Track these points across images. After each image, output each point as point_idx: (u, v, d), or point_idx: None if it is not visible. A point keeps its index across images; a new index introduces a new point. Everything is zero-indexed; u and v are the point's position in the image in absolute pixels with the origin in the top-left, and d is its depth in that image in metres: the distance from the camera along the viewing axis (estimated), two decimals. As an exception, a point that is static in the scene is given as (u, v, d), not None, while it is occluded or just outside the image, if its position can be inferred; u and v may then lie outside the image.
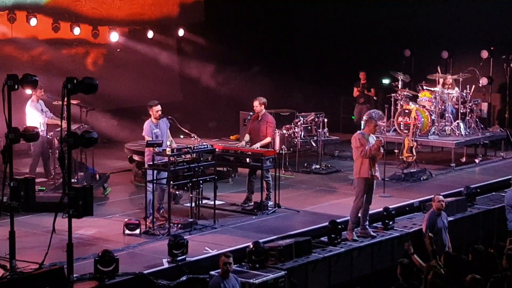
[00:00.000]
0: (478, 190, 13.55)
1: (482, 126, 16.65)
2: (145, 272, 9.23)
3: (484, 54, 18.06)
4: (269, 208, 12.12)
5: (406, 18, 19.52)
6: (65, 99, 8.39)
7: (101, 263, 8.95)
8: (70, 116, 8.56)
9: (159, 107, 11.54)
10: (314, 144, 15.59)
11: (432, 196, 11.64)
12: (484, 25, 18.66)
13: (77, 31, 17.01)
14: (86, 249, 10.01)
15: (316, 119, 15.68)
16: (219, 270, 8.90)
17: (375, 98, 18.37)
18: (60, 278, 8.54)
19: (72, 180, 9.66)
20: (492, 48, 18.01)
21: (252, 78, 19.66)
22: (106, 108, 17.30)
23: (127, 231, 10.84)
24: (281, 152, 14.46)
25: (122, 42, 18.37)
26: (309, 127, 15.70)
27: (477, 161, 16.14)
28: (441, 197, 11.10)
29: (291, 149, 15.17)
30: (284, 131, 15.09)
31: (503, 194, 12.96)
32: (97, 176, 13.42)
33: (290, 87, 20.84)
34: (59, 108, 8.67)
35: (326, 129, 15.89)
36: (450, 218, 11.82)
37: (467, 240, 11.80)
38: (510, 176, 13.26)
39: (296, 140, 15.28)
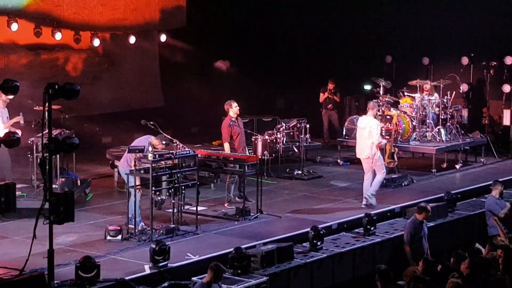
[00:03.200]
0: (459, 196, 13.64)
1: (463, 132, 16.76)
2: (126, 278, 9.20)
3: (465, 60, 18.19)
4: (251, 214, 12.13)
5: (388, 25, 19.64)
6: (46, 104, 8.34)
7: (82, 269, 8.91)
8: (51, 122, 8.52)
9: None
10: (296, 150, 15.61)
11: (415, 201, 11.68)
12: (464, 31, 18.80)
13: (58, 36, 16.96)
14: (67, 255, 9.97)
15: (298, 125, 15.71)
16: (203, 276, 8.89)
17: (338, 101, 18.43)
18: (41, 284, 8.50)
19: (53, 186, 9.60)
20: (472, 55, 18.15)
21: (235, 83, 19.68)
22: (88, 113, 17.24)
23: (108, 237, 10.80)
24: (263, 158, 14.47)
25: (103, 47, 18.34)
26: (291, 133, 15.72)
27: (457, 167, 16.24)
28: (429, 207, 11.16)
29: (273, 154, 15.18)
30: (266, 137, 15.11)
31: (484, 199, 13.04)
32: (79, 181, 13.35)
33: (272, 93, 20.90)
34: (41, 113, 8.62)
35: (308, 135, 15.91)
36: (431, 224, 11.88)
37: (448, 245, 11.85)
38: (490, 182, 13.33)
39: (278, 146, 15.29)
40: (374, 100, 15.18)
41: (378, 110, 13.95)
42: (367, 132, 12.91)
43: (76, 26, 17.45)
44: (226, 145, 13.16)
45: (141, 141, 11.55)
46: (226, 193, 13.04)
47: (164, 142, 11.62)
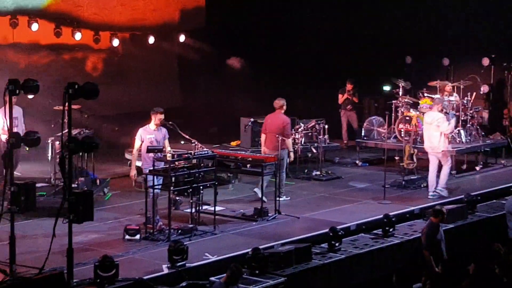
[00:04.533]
0: (479, 198, 13.54)
1: (483, 133, 16.65)
2: (144, 277, 9.22)
3: (485, 61, 18.07)
4: (269, 215, 12.12)
5: (408, 25, 19.55)
6: (66, 104, 8.39)
7: (101, 269, 8.94)
8: (71, 121, 8.57)
9: (162, 116, 11.57)
10: (314, 151, 15.58)
11: (433, 203, 11.62)
12: (485, 32, 18.68)
13: (78, 36, 17.05)
14: (86, 254, 10.00)
15: (317, 126, 15.68)
16: (221, 276, 8.90)
17: (356, 101, 18.35)
18: (60, 283, 8.53)
19: (73, 185, 9.65)
20: (493, 56, 18.02)
21: (254, 84, 19.68)
22: (107, 113, 17.31)
23: (127, 237, 10.83)
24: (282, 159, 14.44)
25: (123, 47, 18.41)
26: (310, 134, 15.70)
27: (477, 168, 16.13)
28: (445, 210, 11.11)
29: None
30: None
31: (504, 201, 12.94)
32: (98, 181, 13.41)
33: (291, 93, 20.81)
34: (60, 112, 8.67)
35: (326, 136, 15.88)
36: (451, 226, 11.81)
37: (468, 248, 11.77)
38: (511, 184, 13.24)
39: (296, 147, 15.27)
40: (439, 96, 15.28)
41: (442, 108, 14.41)
42: (435, 126, 13.50)
43: (95, 26, 17.55)
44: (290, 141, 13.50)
45: (137, 136, 11.55)
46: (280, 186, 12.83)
47: (157, 111, 11.52)
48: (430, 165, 13.73)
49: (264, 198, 12.47)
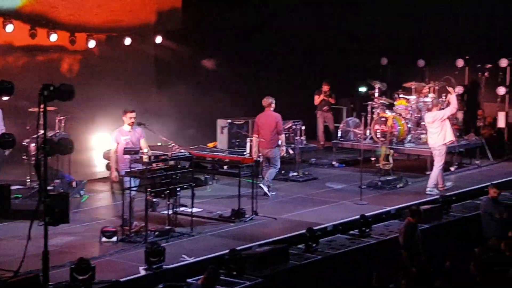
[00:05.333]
0: (454, 198, 13.67)
1: (458, 134, 16.79)
2: (121, 280, 9.19)
3: (460, 62, 18.24)
4: (246, 216, 12.14)
5: (383, 27, 19.69)
6: (42, 106, 8.34)
7: (77, 271, 8.89)
8: (46, 123, 8.51)
9: (133, 114, 11.51)
10: (291, 152, 15.63)
11: (410, 203, 11.72)
12: (460, 34, 18.87)
13: (54, 37, 16.94)
14: (62, 257, 9.94)
15: (294, 127, 15.73)
16: (198, 278, 8.89)
17: (333, 103, 18.44)
18: (36, 286, 8.48)
19: (48, 188, 9.60)
20: (467, 57, 18.20)
21: (231, 85, 19.68)
22: (83, 115, 17.21)
23: (103, 239, 10.79)
24: (258, 159, 14.47)
25: (99, 49, 18.32)
26: (287, 135, 15.73)
27: (452, 169, 16.27)
28: (421, 209, 11.23)
29: (269, 156, 15.16)
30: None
31: (478, 202, 13.08)
32: (74, 183, 13.34)
33: (267, 94, 20.84)
34: (36, 114, 8.62)
35: (303, 137, 15.94)
36: (426, 226, 11.91)
37: (443, 248, 11.87)
38: (485, 184, 13.37)
39: (273, 148, 15.27)
40: (434, 96, 15.72)
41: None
42: (437, 124, 14.11)
43: (71, 27, 17.43)
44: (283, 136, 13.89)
45: (113, 137, 11.51)
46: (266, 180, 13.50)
47: (127, 110, 11.52)
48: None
49: (267, 192, 13.35)
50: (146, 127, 11.80)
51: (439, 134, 14.22)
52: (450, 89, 14.85)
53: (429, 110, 15.17)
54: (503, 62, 17.65)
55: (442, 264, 9.40)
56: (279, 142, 13.82)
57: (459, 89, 18.06)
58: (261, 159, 14.24)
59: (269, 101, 13.88)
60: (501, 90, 17.66)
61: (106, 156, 14.53)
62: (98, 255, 10.16)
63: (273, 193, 13.85)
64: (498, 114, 17.93)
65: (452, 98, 14.46)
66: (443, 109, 14.59)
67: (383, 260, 11.07)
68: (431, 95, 16.71)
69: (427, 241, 11.22)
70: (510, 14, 18.53)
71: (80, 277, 8.87)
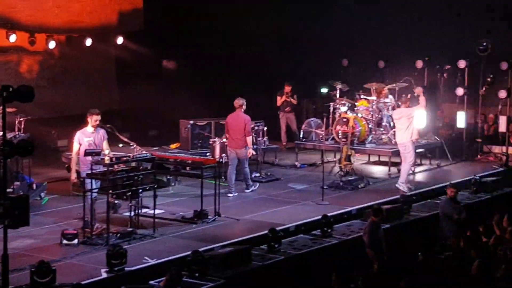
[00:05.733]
0: (414, 198, 13.83)
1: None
2: (82, 282, 9.12)
3: (419, 64, 18.45)
4: (209, 217, 12.14)
5: (344, 28, 19.84)
6: (0, 107, 8.23)
7: (37, 274, 8.81)
8: (5, 125, 8.41)
9: (99, 117, 11.47)
10: (254, 153, 15.65)
11: (371, 203, 11.83)
12: (419, 35, 19.11)
13: (13, 38, 16.74)
14: (22, 260, 9.84)
15: (256, 128, 15.77)
16: (160, 279, 8.86)
17: (295, 103, 18.54)
18: (-5, 290, 8.38)
19: (8, 190, 9.49)
20: (426, 58, 18.42)
21: (193, 86, 19.66)
22: (43, 116, 17.05)
23: (64, 241, 10.69)
24: (221, 160, 14.47)
25: (59, 49, 18.16)
26: (249, 136, 15.76)
27: (413, 169, 16.45)
28: (383, 208, 11.35)
29: (231, 157, 15.18)
30: (224, 140, 15.11)
31: (438, 201, 13.26)
32: (34, 185, 13.20)
33: (230, 96, 20.88)
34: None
35: (266, 138, 15.99)
36: (387, 226, 12.03)
37: (404, 247, 12.00)
38: (445, 184, 13.55)
39: (236, 149, 15.29)
40: (404, 95, 15.69)
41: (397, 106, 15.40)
42: (404, 121, 14.34)
43: (31, 28, 17.25)
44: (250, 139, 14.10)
45: (75, 138, 11.43)
46: (228, 182, 13.78)
47: (93, 112, 11.46)
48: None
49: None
50: (108, 128, 11.72)
51: (405, 130, 14.41)
52: (418, 90, 15.02)
53: (398, 107, 15.35)
54: (461, 63, 17.90)
55: (403, 263, 9.52)
56: (247, 142, 13.97)
57: (419, 90, 18.25)
58: (224, 160, 14.30)
59: (240, 103, 14.04)
60: (460, 91, 17.90)
61: (66, 157, 14.41)
62: (59, 258, 10.07)
63: (254, 187, 14.23)
64: (457, 115, 18.18)
65: (421, 99, 14.64)
66: (411, 107, 14.73)
67: (345, 260, 11.17)
68: (390, 96, 16.89)
69: (388, 241, 11.34)
70: (468, 15, 18.83)
71: (41, 280, 8.78)
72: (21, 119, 13.54)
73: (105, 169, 10.93)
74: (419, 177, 16.01)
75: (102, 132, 11.60)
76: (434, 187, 14.73)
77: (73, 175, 11.55)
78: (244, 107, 14.05)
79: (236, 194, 13.90)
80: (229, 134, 14.03)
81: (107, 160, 10.94)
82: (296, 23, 20.37)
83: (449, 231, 11.72)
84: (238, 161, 14.00)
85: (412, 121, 14.40)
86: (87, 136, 11.42)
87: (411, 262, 9.14)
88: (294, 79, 18.66)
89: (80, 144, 11.38)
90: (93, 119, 11.44)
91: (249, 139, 14.02)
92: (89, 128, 11.49)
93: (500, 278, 8.38)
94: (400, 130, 14.58)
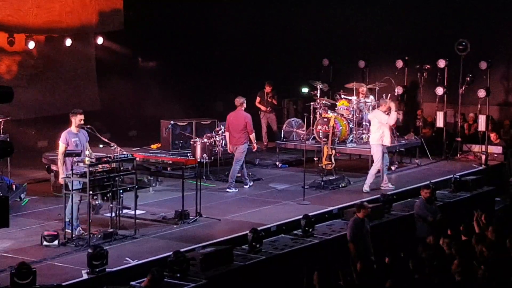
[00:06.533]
0: (395, 197, 13.90)
1: (398, 134, 17.08)
2: (63, 284, 9.08)
3: (399, 63, 18.54)
4: (190, 217, 12.13)
5: (324, 28, 19.90)
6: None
7: (17, 276, 8.76)
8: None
9: (82, 116, 11.42)
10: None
11: (352, 202, 11.87)
12: (399, 35, 19.21)
13: (-9, 38, 16.63)
14: (2, 262, 9.80)
15: (237, 128, 15.74)
16: (142, 280, 8.85)
17: (275, 103, 18.57)
18: (-25, 292, 8.33)
19: (-13, 191, 9.44)
20: (406, 58, 18.52)
21: (173, 86, 19.63)
22: (23, 117, 16.95)
23: (45, 243, 10.65)
24: (202, 161, 14.47)
25: (38, 50, 18.05)
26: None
27: (393, 168, 16.53)
28: (366, 204, 11.42)
29: (212, 157, 15.19)
30: (205, 140, 15.10)
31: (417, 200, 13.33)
32: (14, 186, 13.12)
33: (210, 96, 20.93)
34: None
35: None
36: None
37: (384, 245, 12.05)
38: (425, 183, 13.61)
39: (217, 149, 15.32)
40: (384, 97, 15.68)
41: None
42: (375, 122, 14.46)
43: (10, 28, 17.13)
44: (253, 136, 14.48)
45: (62, 139, 11.37)
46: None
47: (77, 112, 11.43)
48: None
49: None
50: (88, 129, 11.67)
51: (375, 132, 14.52)
52: (392, 104, 14.93)
53: (378, 107, 15.35)
54: (441, 63, 18.00)
55: (383, 261, 9.56)
56: (251, 139, 14.46)
57: (399, 90, 18.36)
58: (205, 160, 14.34)
59: (240, 101, 14.43)
60: (440, 90, 18.01)
61: (46, 158, 14.33)
62: (39, 259, 10.03)
63: (236, 190, 14.29)
64: (437, 114, 18.29)
65: (392, 114, 14.61)
66: (387, 113, 14.71)
67: (327, 259, 11.20)
68: (371, 96, 16.95)
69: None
70: (447, 15, 18.96)
71: (21, 282, 8.73)
72: (0, 120, 13.44)
73: (86, 170, 10.87)
74: (400, 176, 16.08)
75: (84, 132, 11.56)
76: (414, 186, 14.79)
77: (61, 176, 11.43)
78: (244, 105, 14.48)
79: (236, 190, 14.26)
80: (229, 131, 14.42)
81: (87, 161, 10.89)
82: (276, 22, 20.39)
83: (423, 232, 11.74)
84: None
85: (382, 126, 14.41)
86: (73, 137, 11.37)
87: (394, 262, 9.17)
88: (275, 79, 18.69)
89: (68, 145, 11.30)
90: (77, 119, 11.38)
91: (253, 136, 14.46)
92: (73, 129, 11.42)
93: (480, 278, 8.44)
94: (371, 131, 14.79)
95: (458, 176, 15.03)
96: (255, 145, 14.67)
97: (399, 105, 18.48)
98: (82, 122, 11.41)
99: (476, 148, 17.97)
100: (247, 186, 14.59)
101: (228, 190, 14.22)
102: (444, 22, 18.90)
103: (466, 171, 16.28)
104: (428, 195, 12.32)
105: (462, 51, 17.75)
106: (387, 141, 14.61)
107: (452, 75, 18.05)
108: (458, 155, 17.96)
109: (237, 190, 14.32)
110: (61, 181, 11.43)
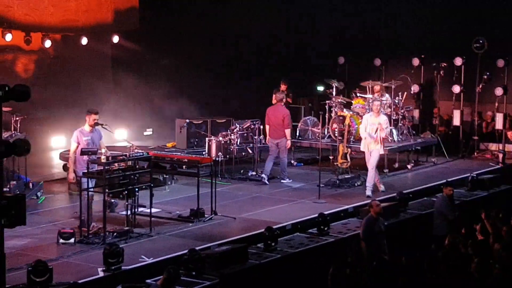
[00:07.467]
0: (411, 196, 13.84)
1: (414, 132, 17.01)
2: (79, 281, 9.12)
3: (416, 61, 18.46)
4: (205, 216, 12.14)
5: (340, 26, 19.84)
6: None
7: (34, 274, 8.81)
8: (1, 124, 8.40)
9: (97, 116, 11.48)
10: (250, 151, 15.68)
11: (367, 201, 11.85)
12: (415, 32, 19.12)
13: (8, 37, 16.70)
14: (19, 259, 9.84)
15: (252, 126, 15.77)
16: (157, 278, 8.86)
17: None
18: (-8, 289, 8.36)
19: (4, 189, 9.47)
20: (423, 56, 18.44)
21: (189, 85, 19.64)
22: (40, 115, 17.03)
23: (61, 240, 10.69)
24: (217, 159, 14.49)
25: (55, 48, 18.12)
26: (245, 134, 15.78)
27: (409, 167, 16.48)
28: (378, 202, 11.36)
29: (227, 156, 15.21)
30: (221, 138, 15.13)
31: (435, 199, 13.26)
32: (30, 184, 13.19)
33: (226, 94, 20.91)
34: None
35: (262, 136, 15.98)
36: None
37: (400, 244, 12.01)
38: (441, 182, 13.55)
39: (232, 147, 15.33)
40: (377, 100, 15.44)
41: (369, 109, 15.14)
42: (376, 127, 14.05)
43: (26, 27, 17.20)
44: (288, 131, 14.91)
45: (74, 138, 11.41)
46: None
47: (92, 111, 11.48)
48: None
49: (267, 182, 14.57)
50: (104, 127, 11.71)
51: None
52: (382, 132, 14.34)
53: (395, 105, 15.20)
54: (458, 61, 17.92)
55: (399, 260, 9.51)
56: (286, 134, 14.90)
57: (415, 88, 18.28)
58: (220, 158, 14.37)
59: (280, 97, 15.11)
60: (456, 89, 17.92)
61: (63, 157, 14.40)
62: (55, 257, 10.06)
63: (290, 180, 14.88)
64: (453, 112, 18.20)
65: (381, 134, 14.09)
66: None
67: (341, 258, 11.16)
68: (387, 95, 16.88)
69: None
70: (464, 13, 18.84)
71: (38, 279, 8.78)
72: (17, 118, 13.53)
73: (101, 168, 10.91)
74: (416, 175, 16.01)
75: (98, 131, 11.60)
76: (430, 185, 14.73)
77: (71, 175, 11.54)
78: (284, 100, 15.24)
79: (290, 180, 14.83)
80: (269, 125, 14.92)
81: (103, 159, 10.93)
82: (292, 20, 20.36)
83: (442, 229, 11.71)
84: (278, 151, 14.86)
85: (377, 128, 13.98)
86: (85, 135, 11.42)
87: (408, 260, 9.13)
88: (290, 77, 18.66)
89: (79, 144, 11.36)
90: (92, 118, 11.44)
91: (288, 131, 14.89)
92: (86, 127, 11.48)
93: (495, 277, 8.39)
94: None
95: (475, 175, 14.96)
96: (289, 142, 14.97)
97: (415, 103, 18.43)
98: (96, 121, 11.45)
99: (493, 146, 17.87)
100: (285, 181, 14.90)
101: (282, 181, 14.86)
102: (461, 20, 18.79)
103: (483, 169, 16.17)
104: (451, 192, 12.28)
105: (479, 49, 17.64)
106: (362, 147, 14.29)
107: (469, 73, 17.95)
108: (475, 153, 17.86)
109: (291, 180, 14.84)
110: (71, 180, 11.49)
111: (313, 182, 14.62)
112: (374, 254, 10.41)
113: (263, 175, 14.76)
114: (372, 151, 14.00)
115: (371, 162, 13.92)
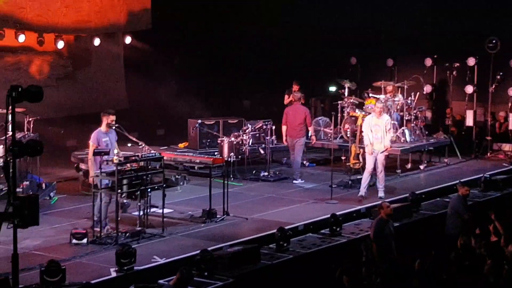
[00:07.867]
0: (423, 196, 13.79)
1: (427, 132, 16.95)
2: (92, 282, 9.15)
3: (428, 61, 18.40)
4: (217, 216, 12.14)
5: (352, 27, 19.80)
6: (10, 107, 8.26)
7: (47, 274, 8.84)
8: (14, 125, 8.44)
9: (114, 117, 11.52)
10: (262, 152, 15.67)
11: (379, 202, 11.83)
12: (427, 33, 19.05)
13: (22, 38, 16.79)
14: (32, 260, 9.88)
15: (264, 127, 15.76)
16: (170, 278, 8.88)
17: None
18: (5, 289, 8.41)
19: (17, 190, 9.51)
20: (435, 56, 18.37)
21: (201, 85, 19.67)
22: (53, 116, 17.09)
23: (74, 241, 10.73)
24: (229, 159, 14.48)
25: (68, 49, 18.19)
26: (257, 135, 15.77)
27: (422, 167, 16.42)
28: (388, 204, 11.32)
29: (240, 156, 15.21)
30: (233, 139, 15.12)
31: (447, 200, 13.20)
32: (43, 185, 13.24)
33: (238, 94, 20.94)
34: (4, 116, 8.55)
35: (274, 137, 15.97)
36: (396, 224, 12.00)
37: (412, 245, 11.97)
38: (454, 182, 13.48)
39: (244, 148, 15.33)
40: (380, 101, 15.37)
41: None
42: (382, 128, 13.88)
43: (39, 28, 17.28)
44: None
45: (93, 139, 11.44)
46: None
47: (110, 112, 11.56)
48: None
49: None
50: (116, 128, 11.74)
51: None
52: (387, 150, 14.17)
53: (407, 105, 15.10)
54: (471, 61, 17.85)
55: (412, 261, 9.47)
56: (309, 133, 15.37)
57: (428, 88, 18.21)
58: (232, 159, 14.38)
59: (298, 96, 15.36)
60: (469, 89, 17.85)
61: (75, 157, 14.44)
62: (68, 257, 10.10)
63: (302, 180, 14.94)
64: (466, 113, 18.12)
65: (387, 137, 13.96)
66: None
67: (353, 258, 11.14)
68: (400, 95, 16.82)
69: (397, 239, 11.30)
70: (476, 13, 18.76)
71: (51, 280, 8.81)
72: (30, 119, 13.58)
73: (114, 169, 10.94)
74: (428, 175, 15.95)
75: (113, 131, 11.64)
76: (443, 185, 14.67)
77: (91, 175, 11.48)
78: (303, 100, 15.50)
79: (302, 180, 14.91)
80: (288, 124, 15.07)
81: (115, 160, 10.96)
82: (305, 20, 20.34)
83: (455, 229, 11.66)
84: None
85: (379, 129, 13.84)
86: (104, 136, 11.46)
87: (421, 261, 9.09)
88: (302, 77, 18.63)
89: (98, 145, 11.38)
90: (109, 119, 11.48)
91: (312, 128, 15.45)
92: (103, 128, 11.51)
93: (505, 278, 8.35)
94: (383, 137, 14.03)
95: (488, 176, 14.89)
96: (314, 137, 15.44)
97: (428, 103, 18.37)
98: (113, 123, 11.49)
99: (506, 147, 17.79)
100: (297, 181, 14.93)
101: (294, 181, 14.89)
102: (474, 20, 18.70)
103: (496, 170, 16.09)
104: (468, 193, 12.22)
105: (492, 49, 17.56)
106: (370, 148, 13.94)
107: (481, 73, 17.87)
108: (488, 154, 17.78)
109: (303, 180, 14.91)
110: (91, 180, 11.50)
111: (325, 182, 14.60)
112: (384, 256, 10.38)
113: (294, 179, 14.89)
114: (377, 155, 13.79)
115: (379, 166, 13.78)
